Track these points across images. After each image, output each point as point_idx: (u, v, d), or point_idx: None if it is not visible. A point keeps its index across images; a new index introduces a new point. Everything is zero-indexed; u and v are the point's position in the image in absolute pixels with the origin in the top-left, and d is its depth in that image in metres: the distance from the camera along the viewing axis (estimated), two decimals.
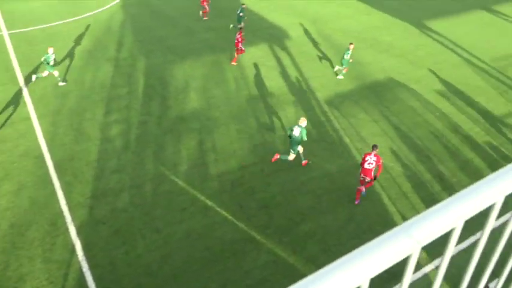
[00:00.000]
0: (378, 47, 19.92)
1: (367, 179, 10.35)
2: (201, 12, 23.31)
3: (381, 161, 10.31)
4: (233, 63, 17.89)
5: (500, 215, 1.18)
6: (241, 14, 20.33)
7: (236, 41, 17.50)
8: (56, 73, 15.41)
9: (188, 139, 13.11)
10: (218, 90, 15.95)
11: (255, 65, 17.95)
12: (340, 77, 16.85)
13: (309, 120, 14.08)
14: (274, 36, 21.11)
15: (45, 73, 15.46)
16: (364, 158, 10.33)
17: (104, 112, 14.41)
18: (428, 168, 12.04)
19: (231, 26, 20.45)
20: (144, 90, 15.88)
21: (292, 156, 11.62)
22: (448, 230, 0.88)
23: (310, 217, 10.39)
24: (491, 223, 1.05)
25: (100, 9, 24.46)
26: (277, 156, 11.74)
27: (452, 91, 16.14)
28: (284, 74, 17.24)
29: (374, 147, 10.45)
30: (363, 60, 18.55)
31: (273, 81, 16.61)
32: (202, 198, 10.85)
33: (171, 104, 15.04)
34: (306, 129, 11.62)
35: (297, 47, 19.82)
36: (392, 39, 20.95)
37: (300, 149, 11.64)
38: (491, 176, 0.95)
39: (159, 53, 19.01)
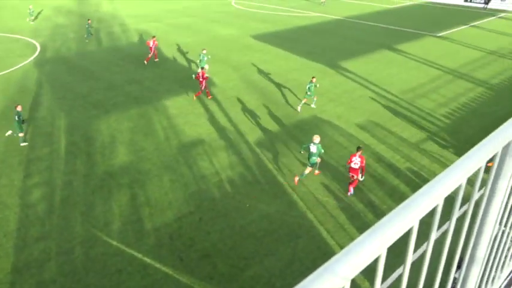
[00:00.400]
0: (299, 88, 21.03)
1: (355, 176, 12.21)
2: (150, 55, 24.48)
3: (364, 161, 12.10)
4: (209, 97, 19.46)
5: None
6: (204, 58, 21.66)
7: (200, 80, 18.79)
8: None
9: (119, 195, 12.51)
10: (147, 142, 15.60)
11: (183, 114, 17.96)
12: (313, 105, 18.56)
13: (241, 163, 14.22)
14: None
15: None
16: (350, 158, 12.11)
17: (22, 176, 13.33)
18: (360, 198, 12.59)
19: (193, 76, 20.07)
20: (67, 149, 15.05)
21: (308, 170, 12.84)
22: (372, 259, 0.89)
23: (253, 261, 10.24)
24: (411, 248, 1.10)
25: (12, 68, 23.25)
26: (296, 178, 12.92)
27: (370, 123, 17.36)
28: (213, 120, 17.41)
29: (358, 149, 12.20)
30: (288, 101, 19.41)
31: (203, 128, 16.67)
32: (140, 256, 10.25)
33: (97, 160, 14.36)
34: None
35: (223, 93, 20.27)
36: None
37: (318, 159, 12.67)
38: (406, 202, 1.01)
39: (81, 108, 18.32)
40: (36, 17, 37.19)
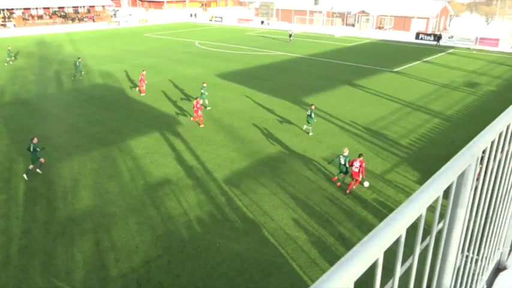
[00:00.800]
0: (264, 124, 21.32)
1: (355, 178, 14.47)
2: (137, 89, 27.13)
3: (363, 164, 14.43)
4: (201, 125, 20.93)
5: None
6: (204, 91, 23.54)
7: (196, 109, 20.60)
8: None
9: (82, 241, 11.95)
10: (112, 184, 15.17)
11: (149, 154, 17.71)
12: (310, 133, 20.05)
13: (209, 202, 14.03)
14: (165, 124, 21.35)
15: None
16: (352, 163, 14.51)
17: None
18: (330, 231, 12.63)
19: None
20: (26, 195, 14.37)
21: (341, 176, 15.17)
22: None
23: None
24: (378, 281, 1.12)
25: None
26: (334, 178, 15.21)
27: (335, 156, 17.70)
28: (179, 159, 17.24)
29: (360, 155, 14.70)
30: (254, 137, 19.59)
31: (169, 168, 16.45)
32: None
33: (59, 205, 13.77)
34: None
35: (189, 132, 20.23)
36: (275, 115, 22.71)
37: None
38: (370, 235, 1.04)
39: (41, 152, 17.71)
40: (15, 58, 36.60)
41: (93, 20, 69.15)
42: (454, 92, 28.43)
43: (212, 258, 11.35)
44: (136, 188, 14.96)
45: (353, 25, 64.69)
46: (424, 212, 1.23)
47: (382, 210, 13.69)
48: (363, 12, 63.02)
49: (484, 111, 24.01)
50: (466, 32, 56.11)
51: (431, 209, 1.42)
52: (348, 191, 14.58)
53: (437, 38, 50.60)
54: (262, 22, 70.72)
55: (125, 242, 11.92)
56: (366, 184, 15.17)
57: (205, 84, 23.83)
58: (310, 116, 19.78)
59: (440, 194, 1.30)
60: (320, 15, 68.63)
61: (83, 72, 31.71)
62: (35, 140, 15.64)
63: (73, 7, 70.69)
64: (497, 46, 48.00)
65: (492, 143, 1.79)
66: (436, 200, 1.35)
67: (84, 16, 70.26)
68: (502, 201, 2.54)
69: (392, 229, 1.04)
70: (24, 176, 15.46)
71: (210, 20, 77.43)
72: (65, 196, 14.34)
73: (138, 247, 11.74)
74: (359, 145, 18.95)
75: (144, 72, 26.90)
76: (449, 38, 51.94)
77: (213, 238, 12.04)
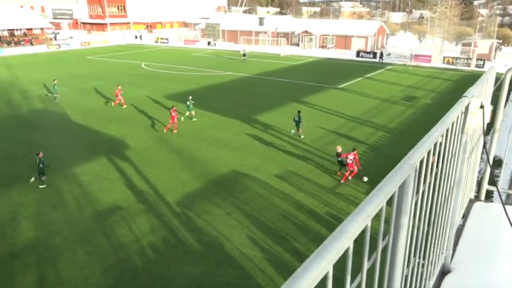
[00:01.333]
0: (215, 144, 21.27)
1: (350, 169, 16.71)
2: (113, 103, 28.54)
3: (356, 156, 16.72)
4: (175, 131, 22.84)
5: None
6: (190, 104, 25.44)
7: (172, 116, 22.73)
8: None
9: (24, 277, 11.13)
10: (57, 214, 14.35)
11: (97, 180, 17.01)
12: (302, 136, 22.14)
13: (163, 226, 13.66)
14: (113, 148, 20.69)
15: None
16: (346, 155, 16.68)
17: None
18: (285, 248, 12.69)
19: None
20: None
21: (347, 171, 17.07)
22: None
23: None
24: None
25: None
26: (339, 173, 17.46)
27: (288, 173, 17.97)
28: (129, 184, 16.71)
29: (354, 149, 17.08)
30: (206, 158, 19.44)
31: (119, 194, 15.87)
32: None
33: None
34: None
35: (138, 155, 19.72)
36: (227, 135, 22.75)
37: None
38: (319, 249, 1.07)
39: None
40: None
41: (31, 44, 66.22)
42: (395, 106, 30.01)
43: (167, 285, 10.99)
44: (83, 216, 14.26)
45: (297, 44, 66.90)
46: (369, 222, 1.28)
47: (335, 223, 13.99)
48: (306, 32, 65.45)
49: (422, 122, 25.51)
50: (402, 50, 59.77)
51: (378, 217, 1.48)
52: (342, 181, 16.88)
53: (380, 55, 53.52)
54: (209, 43, 71.24)
55: (72, 275, 11.25)
56: (365, 179, 16.96)
57: (190, 97, 25.63)
58: (298, 121, 21.93)
59: (384, 204, 1.37)
60: (265, 35, 70.39)
61: (58, 95, 30.71)
62: (41, 155, 16.75)
63: (8, 30, 67.39)
64: (430, 62, 51.53)
65: (428, 153, 1.91)
66: (381, 210, 1.41)
67: (20, 39, 67.12)
68: (442, 207, 2.70)
69: (339, 242, 1.08)
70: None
71: (156, 42, 76.74)
72: (3, 230, 13.36)
73: (87, 279, 11.13)
74: (308, 160, 19.38)
75: (120, 87, 29.26)
76: (387, 55, 55.07)
77: (168, 264, 11.69)
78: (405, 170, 1.55)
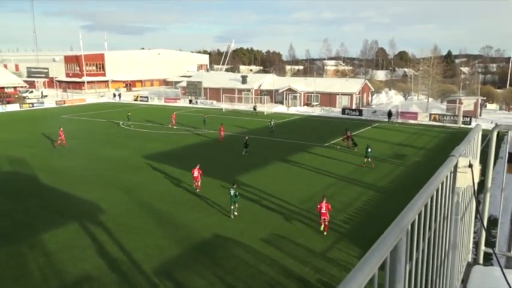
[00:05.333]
0: (197, 207, 20.96)
1: (326, 219, 17.82)
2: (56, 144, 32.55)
3: (329, 206, 17.85)
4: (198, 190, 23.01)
5: None
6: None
7: (195, 176, 23.45)
8: None
9: None
10: (18, 287, 13.59)
11: (65, 249, 16.37)
12: (235, 213, 19.89)
13: None
14: (85, 212, 20.17)
15: None
16: (320, 206, 17.81)
17: None
18: None
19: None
20: None
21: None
22: None
23: None
24: None
25: None
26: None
27: (275, 237, 17.66)
28: (101, 252, 16.11)
29: (324, 197, 18.38)
30: (186, 221, 19.05)
31: (89, 263, 15.23)
32: None
33: None
34: None
35: (113, 220, 19.23)
36: (209, 196, 22.50)
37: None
38: None
39: None
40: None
41: (3, 103, 66.37)
42: (384, 164, 30.49)
43: None
44: None
45: (281, 102, 68.75)
46: None
47: None
48: (290, 89, 67.61)
49: (413, 181, 25.84)
50: (387, 107, 61.91)
51: (371, 282, 1.46)
52: (325, 232, 17.90)
53: (389, 114, 52.41)
54: (190, 101, 72.63)
55: None
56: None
57: (206, 116, 30.20)
58: (234, 195, 19.61)
59: (375, 270, 1.36)
60: (248, 93, 72.36)
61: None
62: None
63: None
64: (417, 119, 53.32)
65: (419, 215, 1.93)
66: (373, 277, 1.40)
67: None
68: (438, 272, 2.68)
69: None
70: None
71: (136, 100, 77.85)
72: None
73: None
74: (297, 222, 19.17)
75: (62, 129, 35.67)
76: (372, 113, 56.88)
77: None
78: (396, 234, 1.56)
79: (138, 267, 15.06)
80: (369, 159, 29.26)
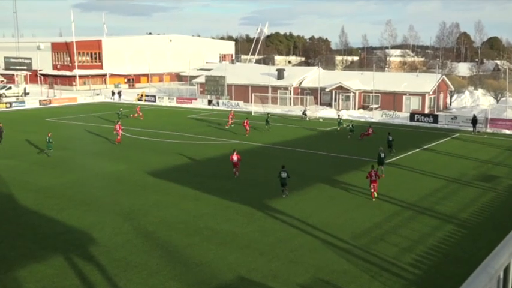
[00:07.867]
0: (216, 239, 21.05)
1: (375, 185, 25.91)
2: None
3: (378, 173, 25.63)
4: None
5: None
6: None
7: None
8: None
9: None
10: None
11: None
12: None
13: None
14: (73, 243, 20.61)
15: None
16: (370, 175, 25.83)
17: None
18: None
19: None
20: None
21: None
22: None
23: None
24: None
25: None
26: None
27: (318, 282, 17.50)
28: None
29: (372, 166, 26.31)
30: (202, 259, 19.16)
31: None
32: None
33: None
34: None
35: (108, 254, 19.55)
36: (231, 226, 22.58)
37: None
38: None
39: None
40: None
41: None
42: (466, 188, 29.80)
43: None
44: None
45: (329, 104, 68.35)
46: None
47: None
48: (341, 88, 67.05)
49: (507, 212, 25.12)
50: (472, 112, 60.58)
51: None
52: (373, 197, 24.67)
53: (473, 121, 50.55)
54: (210, 102, 73.44)
55: None
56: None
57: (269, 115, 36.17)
58: (287, 176, 27.09)
59: None
60: (286, 92, 72.38)
61: (51, 150, 37.05)
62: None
63: None
64: None
65: None
66: None
67: None
68: None
69: None
70: None
71: (140, 100, 78.78)
72: None
73: None
74: (349, 264, 18.94)
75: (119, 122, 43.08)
76: (452, 119, 55.83)
77: None
78: (484, 282, 1.52)
79: None
80: (382, 168, 31.30)
